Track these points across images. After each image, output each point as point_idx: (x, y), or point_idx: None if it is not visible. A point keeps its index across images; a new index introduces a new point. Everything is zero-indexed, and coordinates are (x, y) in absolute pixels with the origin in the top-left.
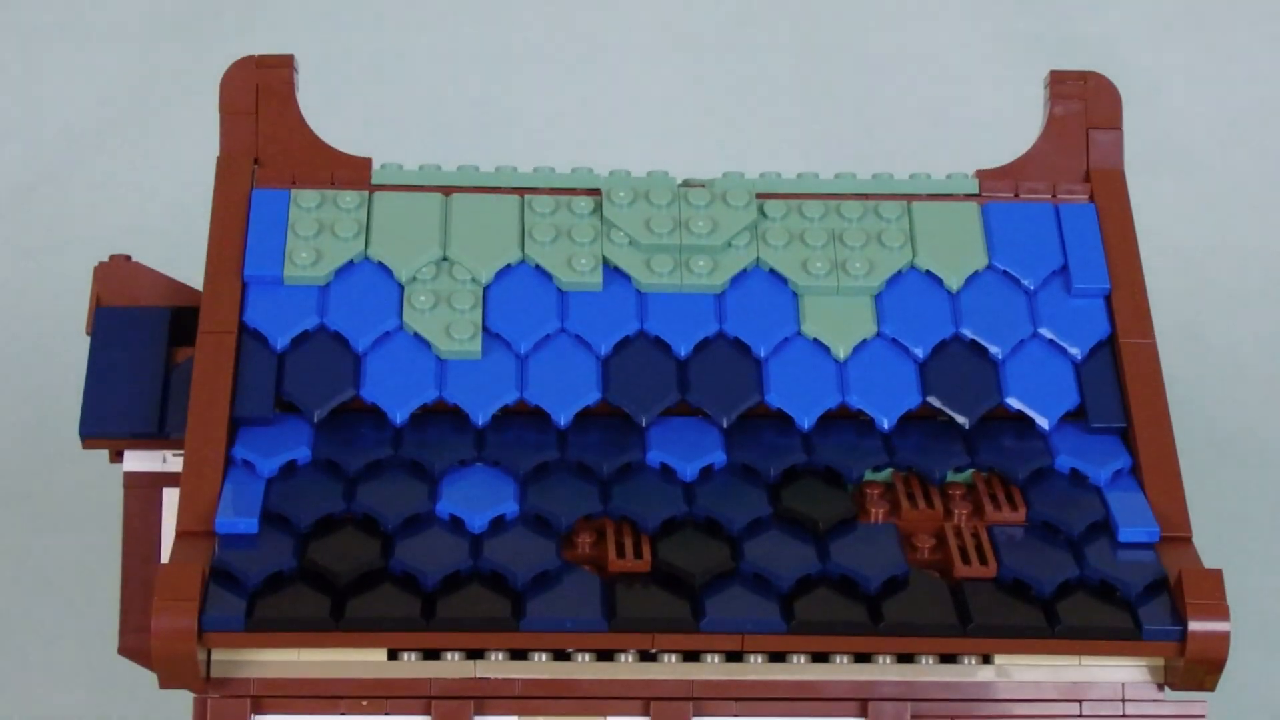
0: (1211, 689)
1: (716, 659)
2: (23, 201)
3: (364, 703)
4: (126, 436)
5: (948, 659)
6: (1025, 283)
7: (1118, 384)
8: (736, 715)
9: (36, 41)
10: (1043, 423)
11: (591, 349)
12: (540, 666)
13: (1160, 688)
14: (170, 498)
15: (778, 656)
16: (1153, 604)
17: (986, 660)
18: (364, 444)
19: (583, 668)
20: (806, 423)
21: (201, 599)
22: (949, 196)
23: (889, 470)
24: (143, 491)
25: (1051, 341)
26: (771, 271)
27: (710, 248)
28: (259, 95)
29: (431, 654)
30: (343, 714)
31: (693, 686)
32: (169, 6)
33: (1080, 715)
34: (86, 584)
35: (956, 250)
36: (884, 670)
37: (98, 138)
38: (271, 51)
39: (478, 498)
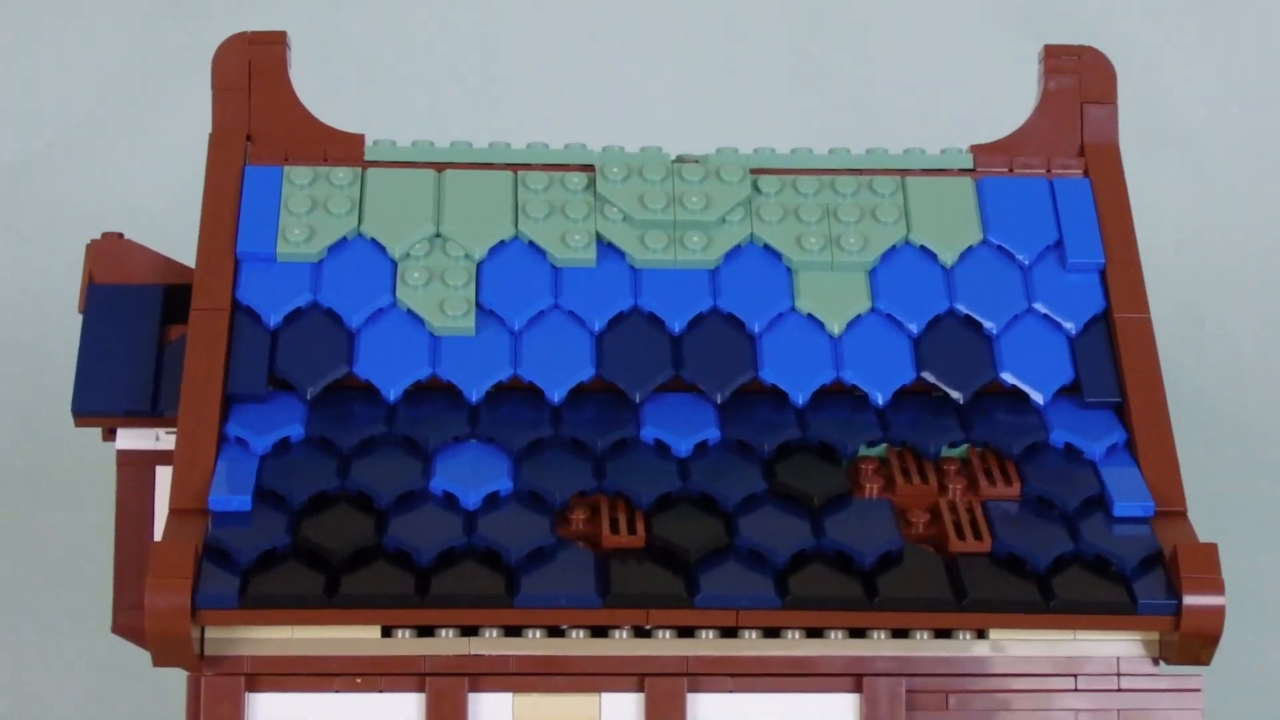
0: (1206, 663)
1: (711, 635)
2: (16, 182)
3: (358, 680)
4: (119, 414)
5: (942, 634)
6: (1020, 258)
7: (1112, 359)
8: (731, 691)
9: (29, 23)
10: (1037, 398)
11: (585, 325)
12: (534, 643)
13: (1155, 662)
14: (163, 476)
15: (772, 632)
16: (1148, 578)
17: (981, 635)
18: (357, 421)
19: (577, 644)
20: (800, 398)
21: (195, 577)
22: (943, 171)
23: (883, 446)
24: (136, 470)
25: (1046, 316)
26: (765, 247)
27: (704, 223)
28: (251, 72)
29: (425, 631)
30: (336, 691)
31: (687, 662)
32: None
33: (1075, 689)
34: (79, 563)
35: (951, 225)
36: (879, 645)
37: (91, 116)
38: (265, 28)
39: (471, 474)
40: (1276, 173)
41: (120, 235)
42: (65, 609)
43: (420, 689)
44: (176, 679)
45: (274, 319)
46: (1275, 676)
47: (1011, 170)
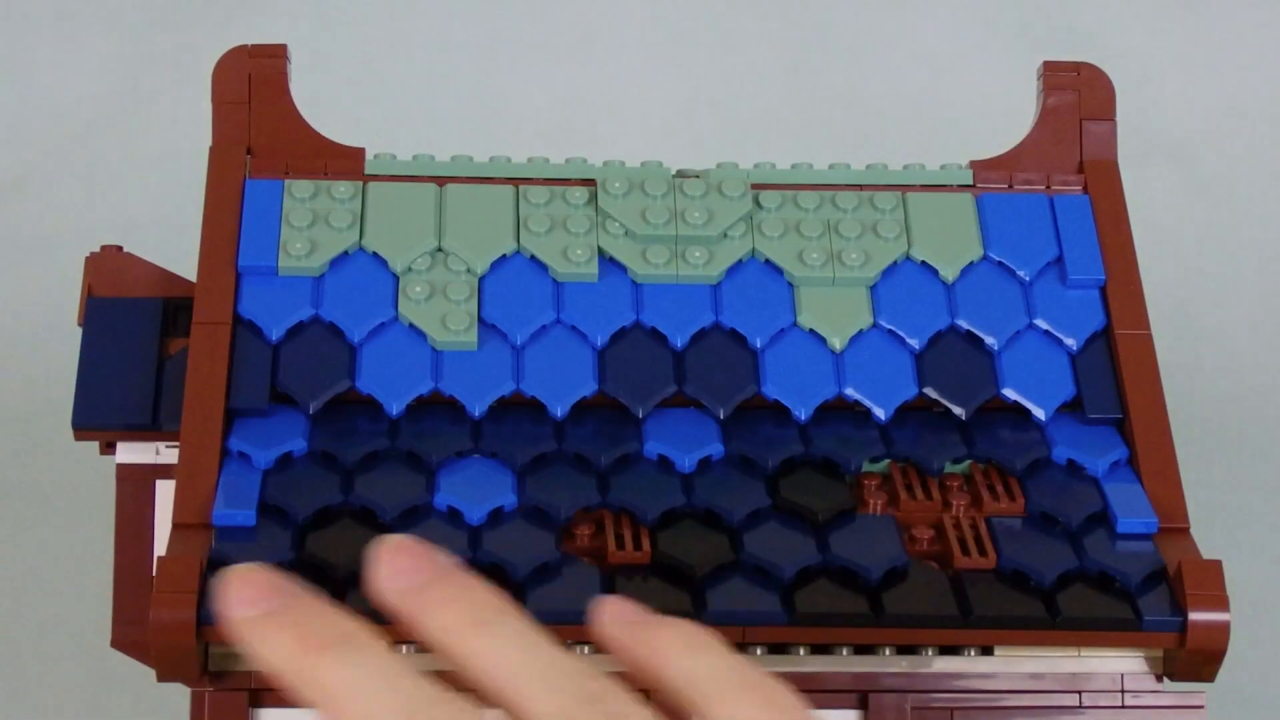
0: (1210, 679)
1: None
2: (13, 193)
3: None
4: (119, 428)
5: (948, 650)
6: (1020, 274)
7: (1113, 375)
8: None
9: (26, 31)
10: (1039, 414)
11: (587, 340)
12: None
13: (1159, 678)
14: (163, 490)
15: (778, 648)
16: (1152, 595)
17: (986, 651)
18: (360, 436)
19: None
20: (804, 414)
21: (200, 591)
22: (943, 187)
23: (886, 461)
24: (135, 484)
25: (1047, 333)
26: (767, 262)
27: (706, 238)
28: (252, 85)
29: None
30: None
31: None
32: None
33: (1080, 706)
34: (79, 577)
35: (952, 241)
36: (884, 662)
37: (89, 128)
38: (263, 41)
39: (475, 490)
40: (1273, 184)
41: (119, 248)
42: (64, 622)
43: None
44: (175, 692)
45: (276, 333)
46: (1278, 692)
47: (1011, 186)
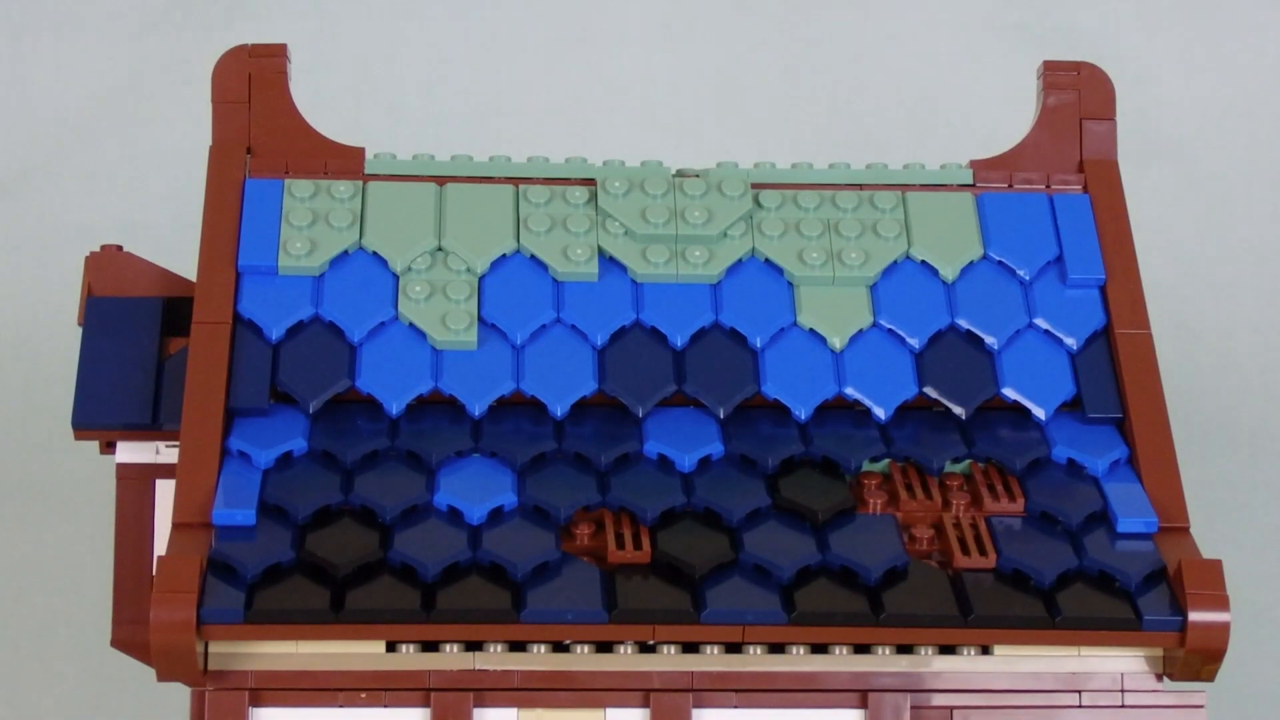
0: (1210, 679)
1: (716, 650)
2: (13, 192)
3: (363, 695)
4: (119, 428)
5: (947, 650)
6: (1020, 273)
7: (1114, 374)
8: (736, 706)
9: (26, 31)
10: (1039, 413)
11: (587, 339)
12: (539, 658)
13: (1159, 678)
14: (163, 489)
15: (777, 648)
16: (1152, 594)
17: (986, 651)
18: (360, 435)
19: (582, 659)
20: (803, 413)
21: (200, 591)
22: (943, 187)
23: (886, 461)
24: (135, 483)
25: (1047, 332)
26: (767, 261)
27: (706, 238)
28: (251, 84)
29: (430, 646)
30: (341, 706)
31: (692, 678)
32: None
33: (1079, 705)
34: (78, 577)
35: (952, 240)
36: (884, 661)
37: (88, 127)
38: (263, 40)
39: (475, 489)
40: (1273, 184)
41: (119, 247)
42: (63, 622)
43: (425, 704)
44: (175, 692)
45: (276, 332)
46: (1277, 692)
47: (1011, 185)
